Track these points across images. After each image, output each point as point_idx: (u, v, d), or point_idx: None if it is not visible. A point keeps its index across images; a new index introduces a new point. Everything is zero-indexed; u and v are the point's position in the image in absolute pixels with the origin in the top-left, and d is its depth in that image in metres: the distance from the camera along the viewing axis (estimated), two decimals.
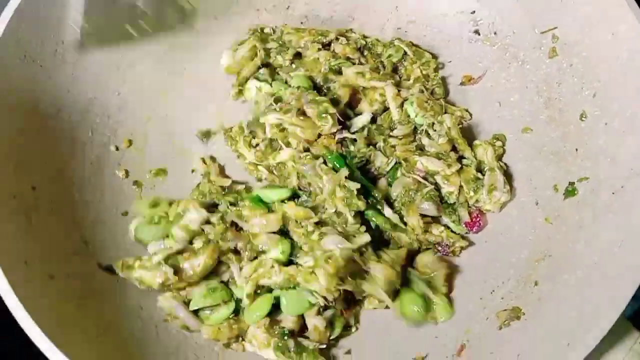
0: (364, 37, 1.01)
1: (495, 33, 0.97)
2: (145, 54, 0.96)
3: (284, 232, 0.83)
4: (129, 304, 0.79)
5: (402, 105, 0.92)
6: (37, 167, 0.80)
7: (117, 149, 0.91)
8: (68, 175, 0.84)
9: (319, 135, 0.87)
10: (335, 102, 0.89)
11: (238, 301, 0.81)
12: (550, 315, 0.71)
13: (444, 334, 0.79)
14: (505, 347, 0.73)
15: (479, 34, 0.99)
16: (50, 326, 0.65)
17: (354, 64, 0.96)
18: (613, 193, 0.76)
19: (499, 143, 0.91)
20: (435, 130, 0.89)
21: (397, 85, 0.94)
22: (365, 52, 1.00)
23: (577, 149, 0.84)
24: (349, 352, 0.81)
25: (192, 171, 0.94)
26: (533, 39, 0.92)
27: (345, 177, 0.82)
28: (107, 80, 0.93)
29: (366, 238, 0.78)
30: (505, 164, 0.90)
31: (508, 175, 0.89)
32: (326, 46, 0.99)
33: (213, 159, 0.95)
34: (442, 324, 0.80)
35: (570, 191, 0.82)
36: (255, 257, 0.82)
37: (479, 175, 0.88)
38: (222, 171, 0.94)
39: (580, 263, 0.74)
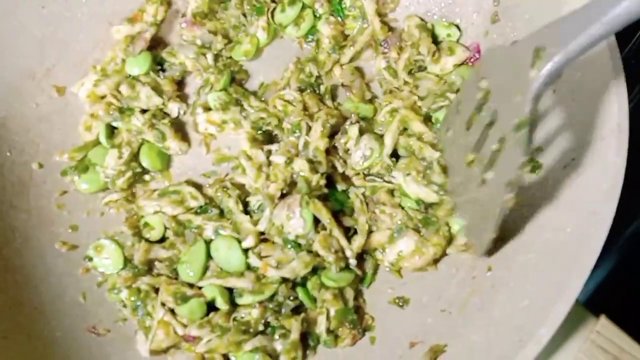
0: None
1: None
2: (63, 59, 0.89)
3: None
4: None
5: None
6: None
7: (40, 166, 0.85)
8: None
9: None
10: None
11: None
12: (503, 306, 0.67)
13: (397, 328, 0.76)
14: (459, 342, 0.69)
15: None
16: None
17: None
18: (564, 167, 0.71)
19: None
20: None
21: None
22: None
23: None
24: None
25: None
26: (474, 4, 0.86)
27: None
28: (22, 92, 0.86)
29: None
30: None
31: None
32: None
33: None
34: (399, 318, 0.77)
35: (535, 167, 0.77)
36: None
37: None
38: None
39: (531, 246, 0.70)
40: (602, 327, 0.62)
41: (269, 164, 0.84)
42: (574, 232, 0.65)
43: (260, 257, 0.78)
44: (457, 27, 0.89)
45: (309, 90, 0.89)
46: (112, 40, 0.91)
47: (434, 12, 0.91)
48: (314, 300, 0.78)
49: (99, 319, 0.78)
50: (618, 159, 0.63)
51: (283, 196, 0.81)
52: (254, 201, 0.83)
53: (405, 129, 0.85)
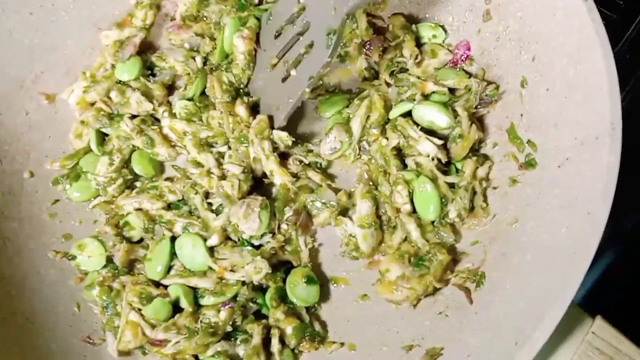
0: None
1: None
2: (51, 66, 0.88)
3: None
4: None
5: None
6: None
7: (31, 174, 0.85)
8: None
9: None
10: None
11: None
12: (499, 309, 0.67)
13: (402, 329, 0.76)
14: (455, 346, 0.69)
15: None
16: None
17: None
18: (559, 166, 0.71)
19: None
20: None
21: None
22: None
23: (520, 119, 0.78)
24: None
25: None
26: (466, 2, 0.85)
27: None
28: (12, 100, 0.85)
29: None
30: None
31: None
32: None
33: None
34: (397, 322, 0.76)
35: (528, 162, 0.76)
36: None
37: None
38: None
39: (528, 247, 0.69)
40: (598, 328, 0.61)
41: (220, 164, 0.84)
42: (569, 232, 0.64)
43: (216, 260, 0.77)
44: (443, 28, 0.88)
45: None
46: (101, 45, 0.90)
47: (425, 10, 0.90)
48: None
49: (94, 329, 0.78)
50: (612, 158, 0.63)
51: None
52: (215, 202, 0.82)
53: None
